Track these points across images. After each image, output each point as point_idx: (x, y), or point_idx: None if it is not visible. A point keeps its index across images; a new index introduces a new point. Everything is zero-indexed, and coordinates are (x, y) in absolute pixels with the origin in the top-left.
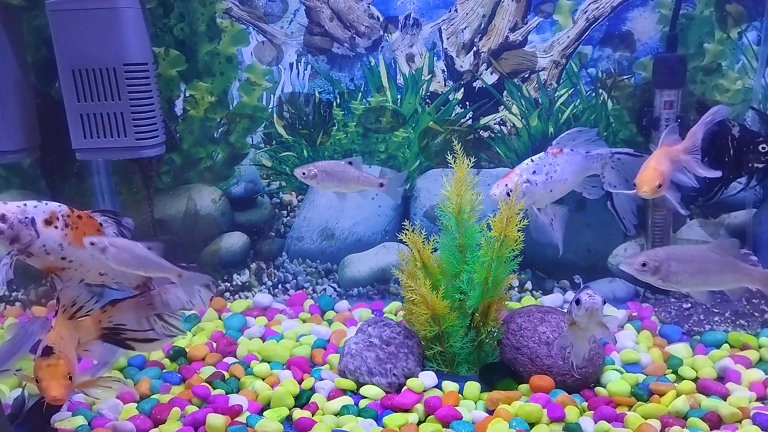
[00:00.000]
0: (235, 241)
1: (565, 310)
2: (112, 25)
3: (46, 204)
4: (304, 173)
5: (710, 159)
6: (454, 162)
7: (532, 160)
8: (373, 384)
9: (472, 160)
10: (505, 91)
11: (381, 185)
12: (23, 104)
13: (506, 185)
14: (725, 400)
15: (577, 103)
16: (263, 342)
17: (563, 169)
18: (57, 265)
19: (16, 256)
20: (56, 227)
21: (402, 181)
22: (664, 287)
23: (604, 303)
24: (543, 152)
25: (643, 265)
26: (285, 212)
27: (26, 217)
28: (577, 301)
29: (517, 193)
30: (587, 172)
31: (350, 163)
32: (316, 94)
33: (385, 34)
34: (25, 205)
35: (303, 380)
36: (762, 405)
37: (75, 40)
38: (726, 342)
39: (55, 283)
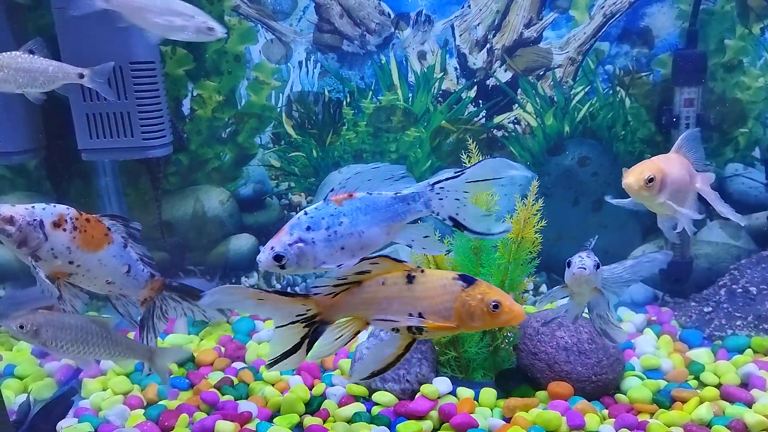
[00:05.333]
0: (243, 243)
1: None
2: (118, 22)
3: (55, 206)
4: None
5: None
6: (469, 161)
7: (306, 213)
8: (386, 390)
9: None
10: (519, 89)
11: (81, 76)
12: (28, 104)
13: (272, 248)
14: (750, 408)
15: (593, 101)
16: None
17: (354, 219)
18: (64, 270)
19: (37, 267)
20: (64, 230)
21: (110, 69)
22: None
23: (598, 267)
24: (323, 200)
25: (21, 326)
26: (294, 213)
27: (34, 220)
28: (568, 264)
29: (290, 257)
30: (402, 217)
31: (32, 52)
32: (326, 93)
33: (397, 31)
34: (33, 207)
35: (314, 386)
36: None
37: (80, 38)
38: (749, 347)
39: (61, 291)
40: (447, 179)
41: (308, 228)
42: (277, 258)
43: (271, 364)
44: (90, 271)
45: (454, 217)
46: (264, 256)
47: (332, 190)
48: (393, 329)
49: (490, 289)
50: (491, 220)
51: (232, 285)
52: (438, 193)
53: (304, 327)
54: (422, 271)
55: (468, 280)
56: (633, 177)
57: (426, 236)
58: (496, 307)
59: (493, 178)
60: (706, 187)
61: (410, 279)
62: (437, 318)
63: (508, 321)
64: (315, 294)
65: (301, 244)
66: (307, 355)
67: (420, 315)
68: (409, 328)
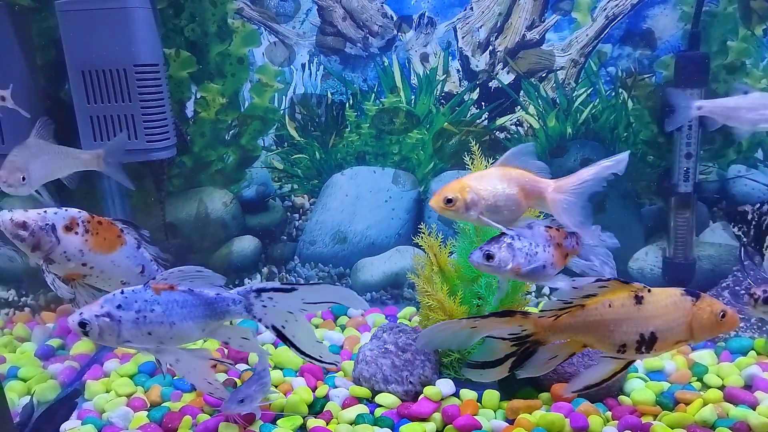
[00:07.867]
0: (246, 245)
1: None
2: (123, 25)
3: (66, 210)
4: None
5: None
6: (471, 163)
7: (122, 292)
8: (389, 392)
9: (490, 161)
10: (521, 91)
11: (3, 98)
12: (32, 107)
13: (81, 314)
14: (754, 410)
15: (596, 103)
16: (275, 348)
17: (168, 310)
18: (78, 271)
19: (51, 272)
20: (76, 233)
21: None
22: None
23: (488, 258)
24: (143, 285)
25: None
26: (297, 215)
27: (47, 224)
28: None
29: (93, 327)
30: (220, 317)
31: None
32: (329, 95)
33: (399, 34)
34: (45, 211)
35: (317, 388)
36: None
37: (85, 41)
38: (752, 349)
39: (77, 292)
40: (276, 290)
41: (119, 306)
42: (81, 324)
43: (471, 366)
44: (104, 273)
45: (280, 329)
46: (71, 318)
47: (154, 278)
48: (619, 350)
49: (712, 299)
50: (323, 348)
51: (444, 322)
52: (263, 302)
53: (512, 345)
54: (648, 290)
55: (694, 294)
56: (434, 199)
57: (244, 338)
58: (723, 316)
59: (330, 302)
60: (558, 195)
61: (639, 299)
62: (668, 338)
63: (730, 327)
64: (535, 315)
65: (107, 319)
66: (509, 372)
67: (652, 334)
68: (638, 348)
